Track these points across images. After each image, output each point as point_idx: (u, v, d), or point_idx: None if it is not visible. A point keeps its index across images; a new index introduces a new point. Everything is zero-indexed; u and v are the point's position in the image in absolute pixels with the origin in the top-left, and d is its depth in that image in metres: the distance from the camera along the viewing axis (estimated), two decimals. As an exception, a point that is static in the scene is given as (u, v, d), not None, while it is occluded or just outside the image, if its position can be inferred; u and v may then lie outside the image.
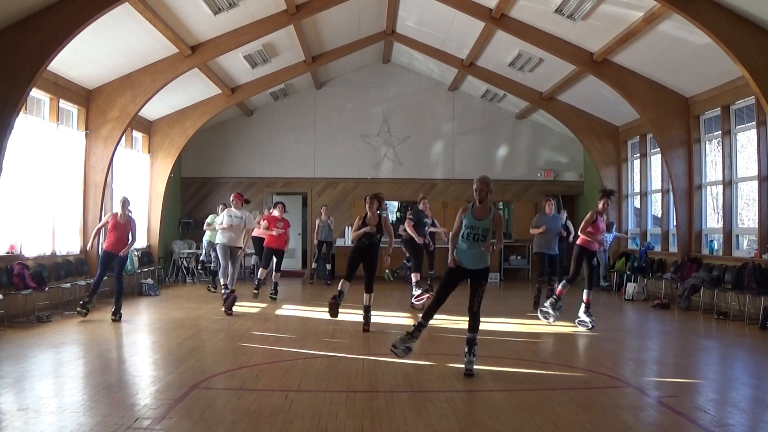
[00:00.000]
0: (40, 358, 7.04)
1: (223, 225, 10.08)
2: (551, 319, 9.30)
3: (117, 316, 9.34)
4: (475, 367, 6.30)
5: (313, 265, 15.55)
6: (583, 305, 9.10)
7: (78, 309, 9.43)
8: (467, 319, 6.35)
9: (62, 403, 5.21)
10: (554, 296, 9.39)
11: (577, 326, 9.09)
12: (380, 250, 9.01)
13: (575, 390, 5.86)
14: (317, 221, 14.87)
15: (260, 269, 12.20)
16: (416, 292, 10.57)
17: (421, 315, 6.60)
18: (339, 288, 8.58)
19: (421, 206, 11.36)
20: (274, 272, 12.17)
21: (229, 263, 10.03)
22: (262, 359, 7.14)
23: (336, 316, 8.47)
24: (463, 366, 6.30)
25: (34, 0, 8.25)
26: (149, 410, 4.99)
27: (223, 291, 10.08)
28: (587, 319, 9.01)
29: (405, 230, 11.06)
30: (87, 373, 6.40)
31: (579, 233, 9.20)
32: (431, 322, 6.51)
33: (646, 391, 5.83)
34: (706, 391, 6.00)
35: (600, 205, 9.10)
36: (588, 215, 9.19)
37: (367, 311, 8.81)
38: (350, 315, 9.54)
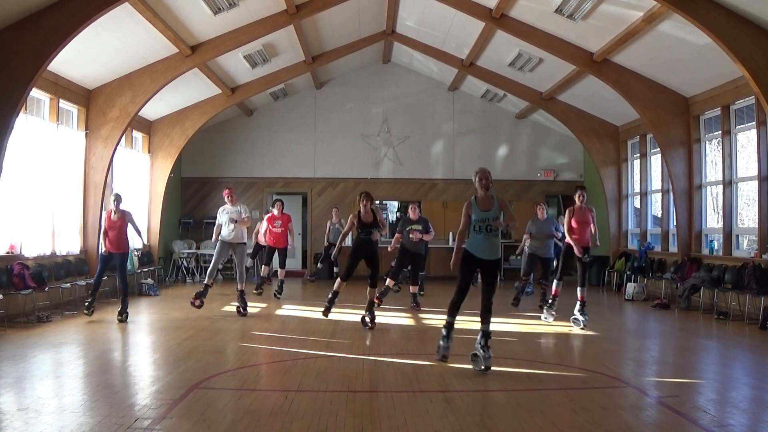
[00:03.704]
0: (40, 358, 7.04)
1: (227, 222, 10.01)
2: (582, 325, 9.01)
3: (123, 316, 9.33)
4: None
5: (319, 266, 15.36)
6: (578, 303, 9.13)
7: (84, 311, 9.49)
8: (479, 313, 6.42)
9: (62, 403, 5.21)
10: (551, 296, 9.44)
11: (571, 324, 9.12)
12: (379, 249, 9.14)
13: (575, 390, 5.85)
14: (328, 223, 14.78)
15: (263, 267, 12.26)
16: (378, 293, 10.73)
17: (446, 315, 6.63)
18: (335, 288, 8.93)
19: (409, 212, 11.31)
20: (278, 270, 12.20)
21: (230, 260, 10.05)
22: (262, 359, 7.14)
23: (327, 315, 8.97)
24: (470, 367, 6.34)
25: (34, 0, 8.25)
26: (149, 410, 4.99)
27: (198, 293, 9.88)
28: (581, 318, 9.04)
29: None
30: (87, 373, 6.40)
31: (566, 234, 9.25)
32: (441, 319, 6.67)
33: (646, 391, 5.82)
34: (706, 391, 5.99)
35: (576, 200, 9.12)
36: (566, 214, 9.23)
37: (371, 306, 8.89)
38: (350, 315, 9.55)
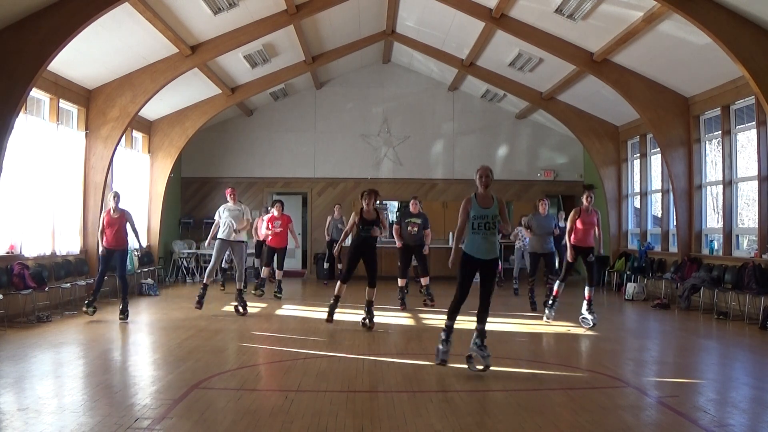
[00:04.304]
0: (40, 358, 7.04)
1: (225, 222, 10.04)
2: (591, 324, 8.98)
3: (124, 315, 9.34)
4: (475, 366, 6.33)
5: (325, 266, 15.32)
6: (584, 302, 9.12)
7: (84, 309, 9.46)
8: (477, 312, 6.35)
9: (62, 403, 5.21)
10: (552, 296, 9.43)
11: (580, 324, 9.10)
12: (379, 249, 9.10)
13: (575, 390, 5.85)
14: (329, 218, 14.70)
15: (264, 268, 12.27)
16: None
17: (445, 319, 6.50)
18: (335, 293, 8.79)
19: (411, 207, 11.31)
20: (276, 271, 12.21)
21: (232, 260, 10.04)
22: (262, 359, 7.14)
23: (331, 321, 8.71)
24: (465, 366, 6.32)
25: (34, 0, 8.25)
26: (149, 410, 4.99)
27: (198, 296, 9.93)
28: (589, 317, 9.02)
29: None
30: (87, 373, 6.40)
31: (566, 235, 9.29)
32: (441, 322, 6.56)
33: (646, 391, 5.82)
34: (706, 391, 5.99)
35: (584, 200, 9.14)
36: (572, 214, 9.25)
37: (369, 306, 8.84)
38: (350, 315, 9.54)
